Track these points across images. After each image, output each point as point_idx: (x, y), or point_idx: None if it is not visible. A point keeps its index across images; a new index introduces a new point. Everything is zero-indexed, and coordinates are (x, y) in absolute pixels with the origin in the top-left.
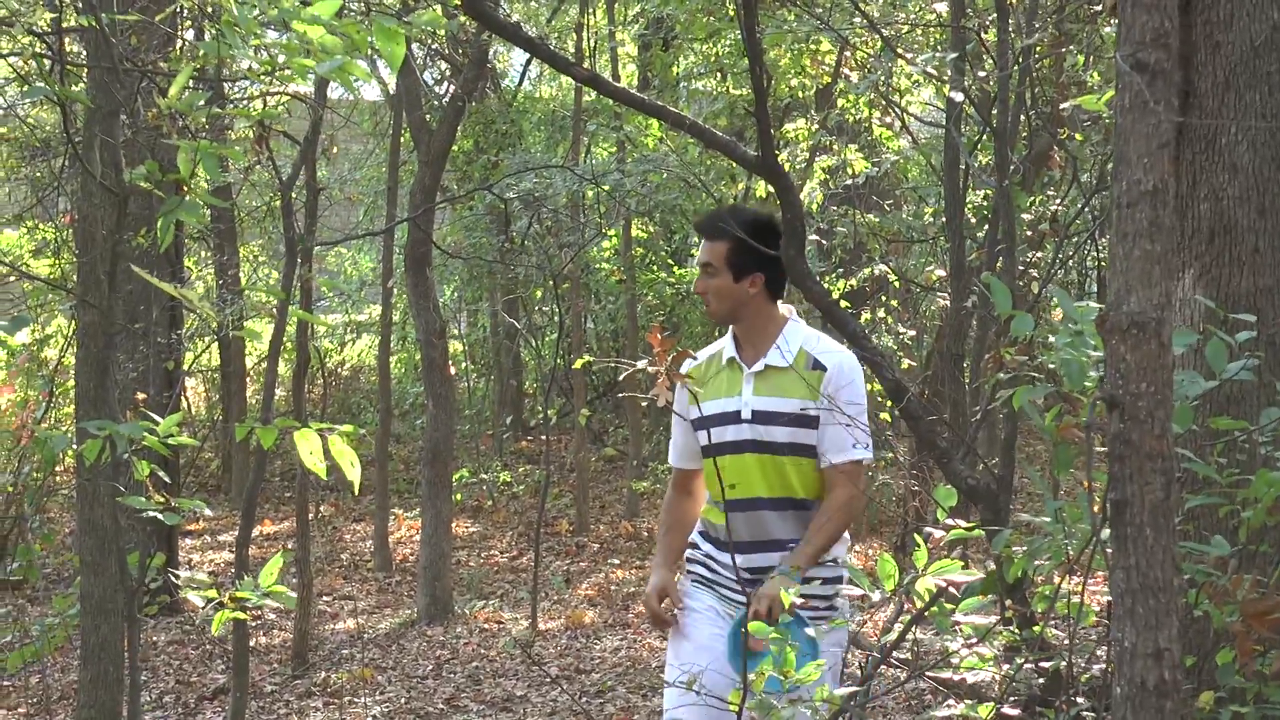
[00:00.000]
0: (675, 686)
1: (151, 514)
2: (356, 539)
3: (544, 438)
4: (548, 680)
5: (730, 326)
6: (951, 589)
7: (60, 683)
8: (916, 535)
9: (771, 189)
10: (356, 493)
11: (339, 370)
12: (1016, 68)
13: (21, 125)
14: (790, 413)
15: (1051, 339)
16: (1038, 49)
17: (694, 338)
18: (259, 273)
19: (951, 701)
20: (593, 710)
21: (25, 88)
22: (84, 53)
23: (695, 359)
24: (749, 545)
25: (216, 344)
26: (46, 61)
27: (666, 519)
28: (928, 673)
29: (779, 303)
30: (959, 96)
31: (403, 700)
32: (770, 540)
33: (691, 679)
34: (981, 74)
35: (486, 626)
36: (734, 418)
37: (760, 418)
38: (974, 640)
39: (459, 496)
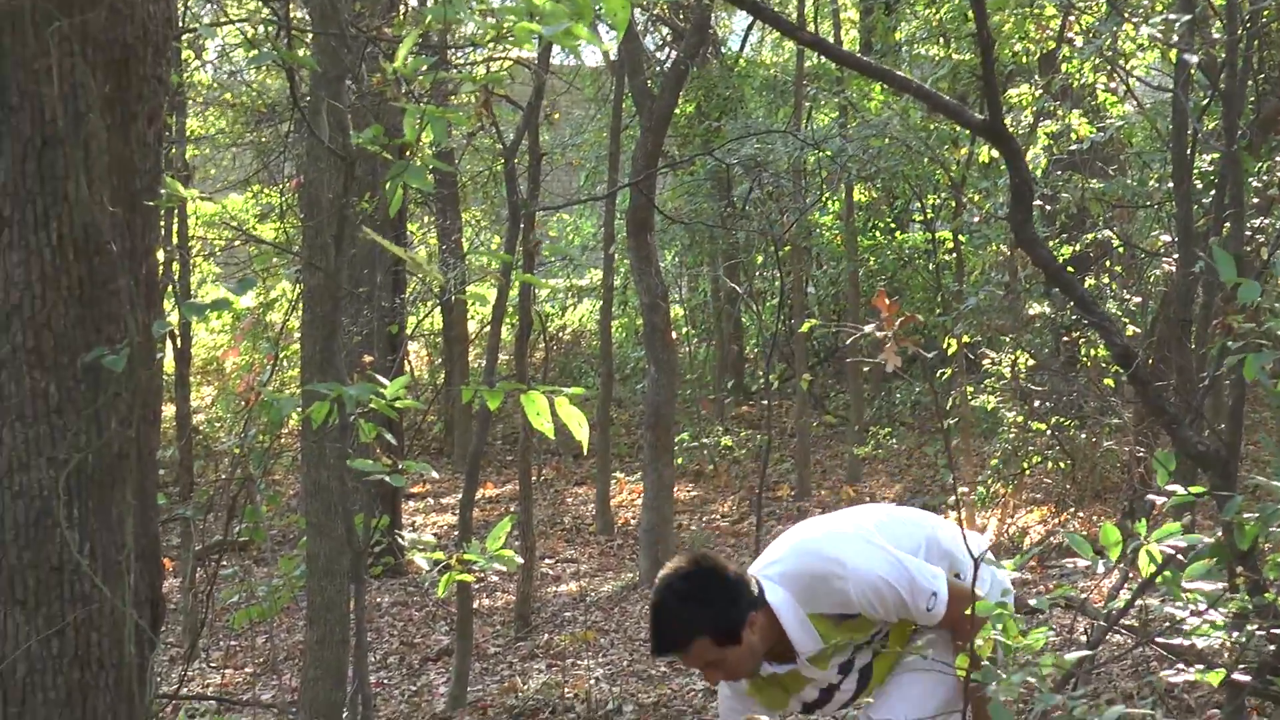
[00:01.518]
0: None
1: (378, 477)
2: (578, 502)
3: (765, 403)
4: None
5: None
6: (1179, 556)
7: (286, 643)
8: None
9: (997, 153)
10: (585, 453)
11: (560, 335)
12: (1245, 30)
13: (248, 91)
14: (865, 641)
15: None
16: (1266, 12)
17: (915, 303)
18: (481, 237)
19: (1181, 665)
20: None
21: (253, 53)
22: (309, 18)
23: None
24: None
25: (439, 308)
26: (273, 27)
27: None
28: (1156, 639)
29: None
30: (1192, 59)
31: (625, 663)
32: None
33: None
34: (1210, 37)
35: None
36: (830, 691)
37: (860, 653)
38: (1204, 607)
39: (680, 460)
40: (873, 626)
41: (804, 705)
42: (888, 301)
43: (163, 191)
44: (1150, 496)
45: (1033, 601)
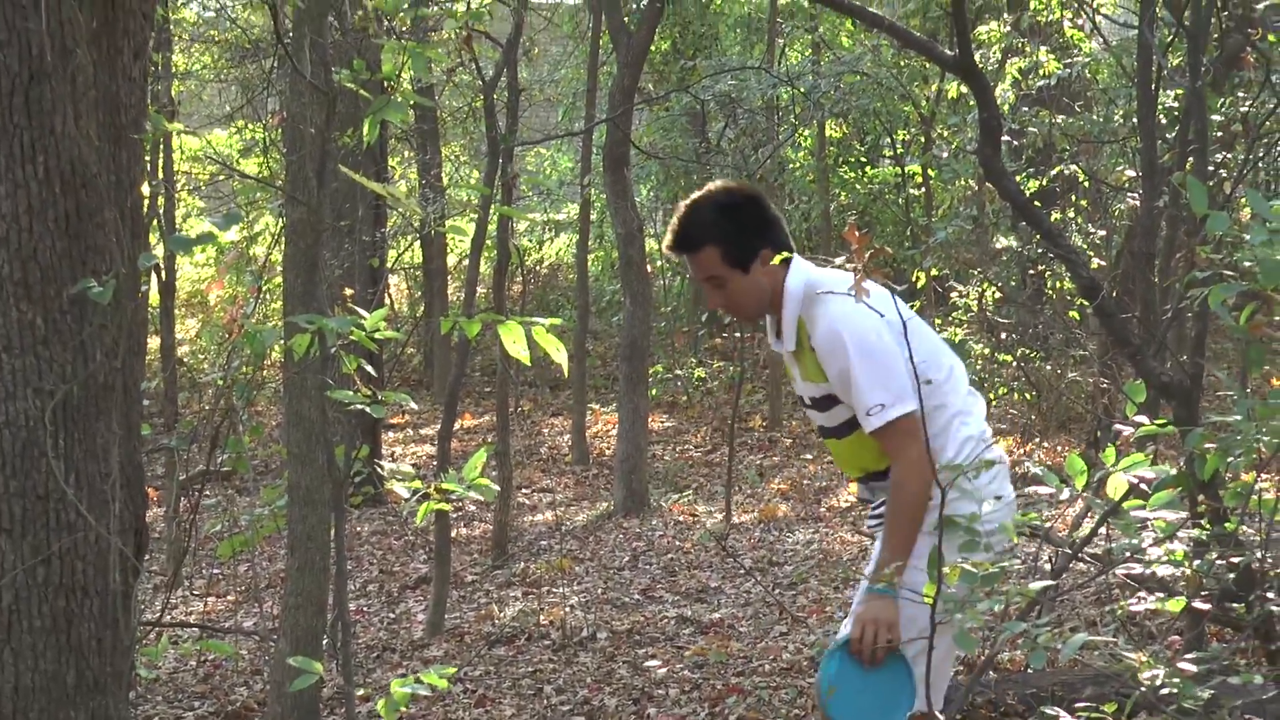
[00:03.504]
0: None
1: (359, 407)
2: (555, 433)
3: (738, 335)
4: (741, 572)
5: None
6: (1143, 485)
7: (268, 571)
8: (1106, 431)
9: (966, 89)
10: (566, 376)
11: (537, 268)
12: None
13: (232, 27)
14: (820, 396)
15: (1246, 237)
16: None
17: (885, 237)
18: (460, 172)
19: (1143, 593)
20: (785, 601)
21: None
22: None
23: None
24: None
25: (419, 242)
26: None
27: None
28: (1117, 569)
29: (793, 265)
30: None
31: (599, 591)
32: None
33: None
34: None
35: (681, 519)
36: (803, 402)
37: (815, 403)
38: (1164, 537)
39: (655, 392)
40: (826, 382)
41: (812, 401)
42: (858, 234)
43: (148, 126)
44: (1117, 427)
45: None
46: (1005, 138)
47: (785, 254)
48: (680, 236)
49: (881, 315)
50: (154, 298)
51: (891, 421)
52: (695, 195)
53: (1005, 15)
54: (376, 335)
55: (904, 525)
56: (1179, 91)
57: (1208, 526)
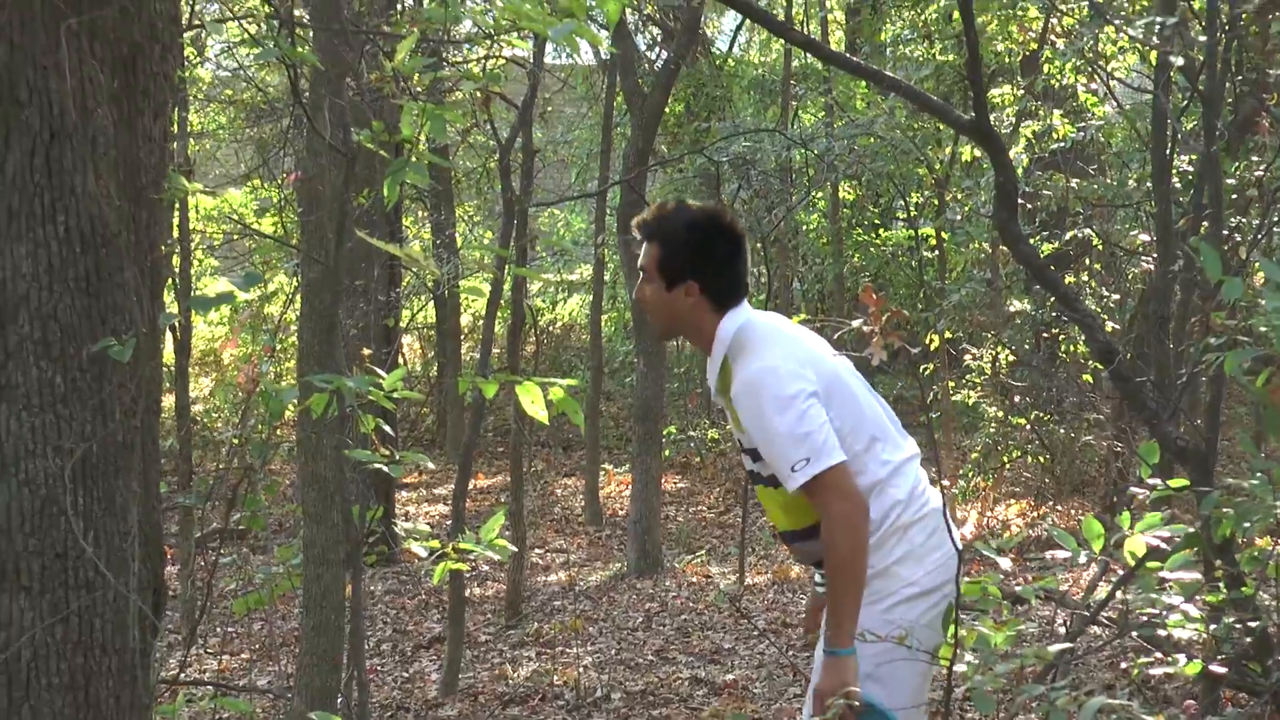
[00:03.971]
0: None
1: (376, 466)
2: (568, 494)
3: None
4: (755, 633)
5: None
6: (1161, 546)
7: (282, 630)
8: (1122, 495)
9: (980, 152)
10: (583, 433)
11: (551, 328)
12: (1224, 33)
13: (249, 88)
14: (748, 446)
15: (1261, 302)
16: (1245, 15)
17: (898, 299)
18: (474, 232)
19: (1159, 656)
20: (799, 663)
21: (256, 50)
22: (307, 16)
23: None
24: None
25: (432, 302)
26: (275, 24)
27: None
28: (1133, 632)
29: (733, 311)
30: (1178, 60)
31: (613, 651)
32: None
33: None
34: (1190, 40)
35: (695, 580)
36: (741, 447)
37: (747, 452)
38: (1181, 600)
39: (668, 453)
40: (742, 431)
41: (745, 450)
42: (874, 296)
43: (167, 186)
44: (1132, 490)
45: (1018, 589)
46: (1019, 201)
47: (721, 304)
48: (647, 220)
49: (811, 378)
50: (168, 356)
51: (816, 476)
52: (694, 203)
53: (1019, 79)
54: (394, 395)
55: (847, 586)
56: (1193, 156)
57: (1224, 590)
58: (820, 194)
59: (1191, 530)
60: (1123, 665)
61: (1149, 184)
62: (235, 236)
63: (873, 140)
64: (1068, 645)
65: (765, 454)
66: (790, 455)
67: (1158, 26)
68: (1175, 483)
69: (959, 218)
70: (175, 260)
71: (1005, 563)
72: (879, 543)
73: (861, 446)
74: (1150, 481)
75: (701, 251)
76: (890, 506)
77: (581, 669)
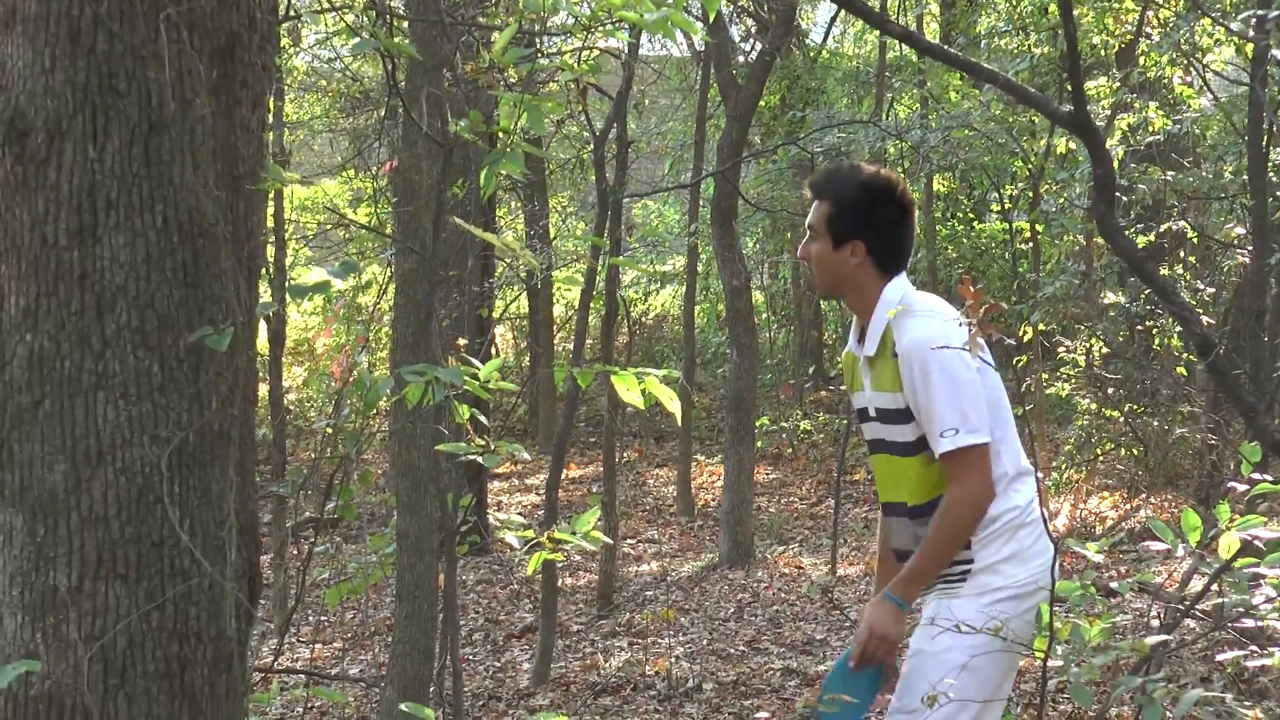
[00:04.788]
0: None
1: (471, 457)
2: (660, 484)
3: (843, 388)
4: (847, 624)
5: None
6: (1257, 543)
7: (374, 619)
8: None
9: (1076, 144)
10: (679, 422)
11: (643, 319)
12: None
13: (343, 78)
14: (892, 409)
15: None
16: None
17: (992, 291)
18: (567, 224)
19: (1254, 649)
20: None
21: (353, 41)
22: (404, 7)
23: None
24: (898, 554)
25: (526, 292)
26: (372, 14)
27: None
28: (1230, 624)
29: (896, 278)
30: (1276, 53)
31: (705, 641)
32: (898, 551)
33: None
34: None
35: (787, 571)
36: (865, 415)
37: (882, 415)
38: (1276, 595)
39: (760, 444)
40: (899, 391)
41: (879, 413)
42: (973, 290)
43: (264, 176)
44: (1232, 484)
45: (1114, 584)
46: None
47: (885, 268)
48: (821, 179)
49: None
50: (262, 346)
51: (963, 448)
52: (872, 164)
53: (1114, 71)
54: (489, 385)
55: (941, 545)
56: None
57: None
58: (914, 186)
59: None
60: (1218, 658)
61: (1245, 177)
62: (329, 227)
63: (968, 132)
64: (1164, 638)
65: (924, 413)
66: (948, 419)
67: (1255, 19)
68: (1265, 488)
69: (1054, 210)
70: (270, 250)
71: (1096, 555)
72: (992, 537)
73: (998, 438)
74: (1252, 477)
75: (871, 213)
76: (1010, 506)
77: (673, 659)
